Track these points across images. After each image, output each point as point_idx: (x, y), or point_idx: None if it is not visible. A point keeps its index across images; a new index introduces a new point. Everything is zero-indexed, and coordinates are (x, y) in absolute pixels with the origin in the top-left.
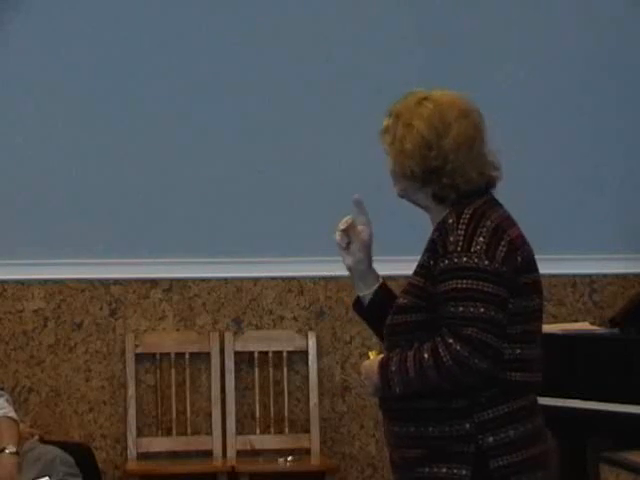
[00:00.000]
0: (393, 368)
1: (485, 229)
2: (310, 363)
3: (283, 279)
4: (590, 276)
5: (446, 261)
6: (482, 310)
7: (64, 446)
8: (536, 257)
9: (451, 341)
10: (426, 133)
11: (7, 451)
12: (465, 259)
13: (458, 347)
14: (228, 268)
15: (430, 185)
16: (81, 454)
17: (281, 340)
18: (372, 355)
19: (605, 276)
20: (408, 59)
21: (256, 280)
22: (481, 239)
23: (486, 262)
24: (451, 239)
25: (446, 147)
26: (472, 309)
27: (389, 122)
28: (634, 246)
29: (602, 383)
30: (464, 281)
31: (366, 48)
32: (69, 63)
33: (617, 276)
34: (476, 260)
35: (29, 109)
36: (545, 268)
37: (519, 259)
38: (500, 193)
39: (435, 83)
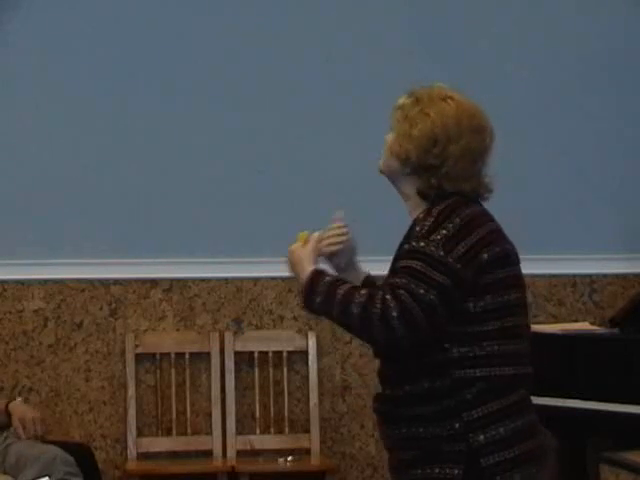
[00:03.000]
0: (326, 279)
1: (452, 225)
2: (310, 363)
3: (283, 279)
4: (590, 276)
5: (406, 245)
6: (422, 291)
7: (64, 446)
8: (536, 257)
9: (388, 297)
10: (438, 129)
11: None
12: (422, 244)
13: (391, 305)
14: (228, 268)
15: (417, 177)
16: (81, 454)
17: (281, 340)
18: (302, 237)
19: (605, 276)
20: (408, 59)
21: (256, 280)
22: (444, 232)
23: (441, 253)
24: (417, 229)
25: (450, 152)
26: (413, 286)
27: (407, 101)
28: (634, 246)
29: (602, 383)
30: (416, 262)
31: (366, 48)
32: (69, 63)
33: (617, 276)
34: (432, 248)
35: (29, 109)
36: (545, 268)
37: (485, 256)
38: (500, 193)
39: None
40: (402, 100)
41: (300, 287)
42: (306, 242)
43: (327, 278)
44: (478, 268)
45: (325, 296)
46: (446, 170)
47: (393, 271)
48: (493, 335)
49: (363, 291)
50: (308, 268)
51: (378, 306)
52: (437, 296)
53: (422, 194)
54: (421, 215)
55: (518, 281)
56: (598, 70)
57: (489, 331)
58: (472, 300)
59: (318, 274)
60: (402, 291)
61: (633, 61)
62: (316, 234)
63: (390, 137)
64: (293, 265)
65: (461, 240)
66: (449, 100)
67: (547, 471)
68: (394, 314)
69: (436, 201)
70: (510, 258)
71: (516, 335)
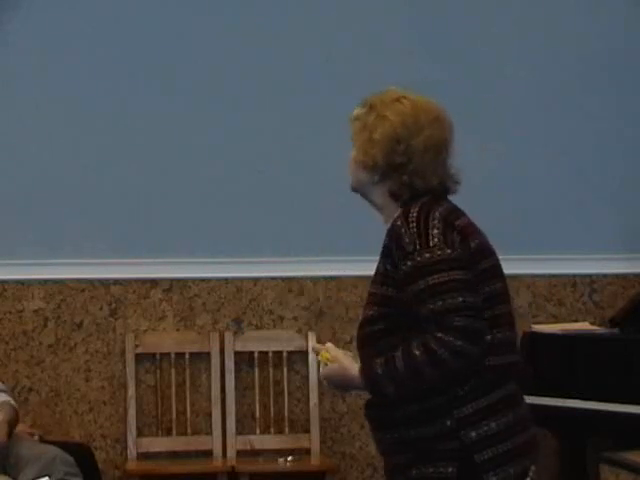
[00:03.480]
0: (379, 371)
1: (436, 220)
2: (310, 363)
3: (283, 279)
4: (590, 276)
5: (409, 262)
6: (460, 299)
7: (64, 446)
8: (536, 257)
9: (441, 335)
10: (399, 128)
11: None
12: (428, 255)
13: (451, 338)
14: (228, 268)
15: (388, 180)
16: (81, 454)
17: (281, 340)
18: (323, 357)
19: (605, 276)
20: (408, 59)
21: (256, 280)
22: (435, 231)
23: (448, 251)
24: (407, 240)
25: (414, 147)
26: (450, 300)
27: (361, 111)
28: (634, 246)
29: (602, 383)
30: (434, 276)
31: (366, 48)
32: (69, 63)
33: (617, 276)
34: (439, 252)
35: (29, 109)
36: (545, 268)
37: (472, 245)
38: (500, 193)
39: (435, 83)
40: (357, 111)
41: (366, 391)
42: (330, 359)
43: (379, 370)
44: (470, 257)
45: (394, 383)
46: (414, 166)
47: (417, 295)
48: (488, 324)
49: (415, 350)
50: (355, 374)
51: (442, 350)
52: (472, 294)
53: (395, 195)
54: (398, 222)
55: (500, 271)
56: (598, 70)
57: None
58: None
59: (366, 374)
60: (447, 316)
61: (633, 61)
62: (329, 344)
63: (352, 152)
64: (341, 385)
65: (452, 232)
66: (402, 100)
67: (540, 464)
68: (458, 343)
69: (408, 202)
70: (489, 248)
71: (507, 323)
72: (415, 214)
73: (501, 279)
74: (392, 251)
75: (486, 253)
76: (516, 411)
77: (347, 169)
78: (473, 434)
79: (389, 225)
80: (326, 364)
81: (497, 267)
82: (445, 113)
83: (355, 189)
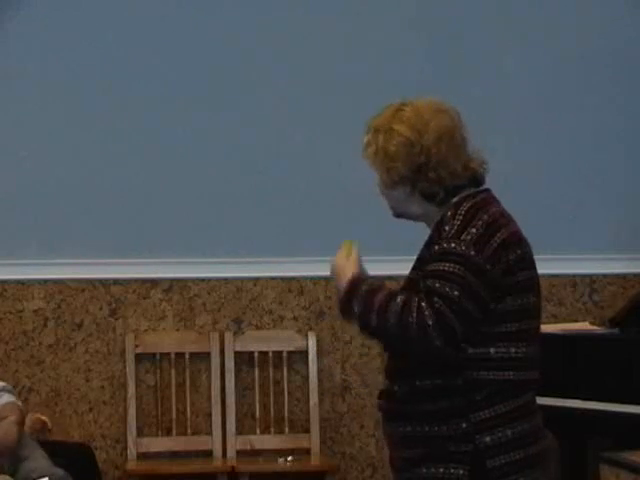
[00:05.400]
0: (364, 288)
1: (481, 222)
2: (310, 363)
3: (283, 279)
4: (590, 276)
5: (436, 247)
6: (456, 294)
7: (64, 446)
8: (536, 257)
9: (424, 305)
10: (407, 133)
11: (9, 419)
12: (453, 245)
13: (426, 313)
14: (228, 268)
15: (418, 185)
16: (81, 454)
17: (281, 340)
18: (347, 246)
19: (605, 276)
20: (408, 59)
21: (256, 280)
22: (474, 230)
23: (472, 252)
24: (446, 228)
25: (428, 142)
26: (447, 289)
27: (369, 137)
28: (634, 246)
29: (602, 383)
30: (448, 264)
31: (366, 48)
32: (69, 63)
33: (617, 276)
34: (463, 247)
35: (29, 109)
36: (545, 268)
37: (511, 257)
38: (501, 193)
39: (435, 82)
40: (365, 139)
41: (339, 295)
42: (349, 252)
43: (364, 287)
44: (505, 269)
45: (363, 306)
46: (435, 159)
47: (424, 273)
48: (510, 337)
49: (399, 299)
50: (348, 275)
51: (414, 315)
52: (471, 299)
53: (429, 196)
54: (449, 213)
55: (536, 285)
56: (598, 69)
57: (506, 333)
58: (494, 300)
59: (356, 283)
60: (436, 298)
61: (633, 61)
62: (355, 249)
63: (377, 178)
64: (335, 274)
65: (490, 238)
66: (402, 107)
67: (550, 475)
68: (430, 322)
69: (445, 200)
70: (531, 261)
71: (531, 338)
72: (465, 209)
73: (536, 294)
74: (433, 238)
75: (525, 265)
76: (532, 421)
77: (381, 197)
78: (488, 439)
79: (437, 219)
80: (348, 254)
81: (534, 281)
82: (446, 104)
83: (398, 213)
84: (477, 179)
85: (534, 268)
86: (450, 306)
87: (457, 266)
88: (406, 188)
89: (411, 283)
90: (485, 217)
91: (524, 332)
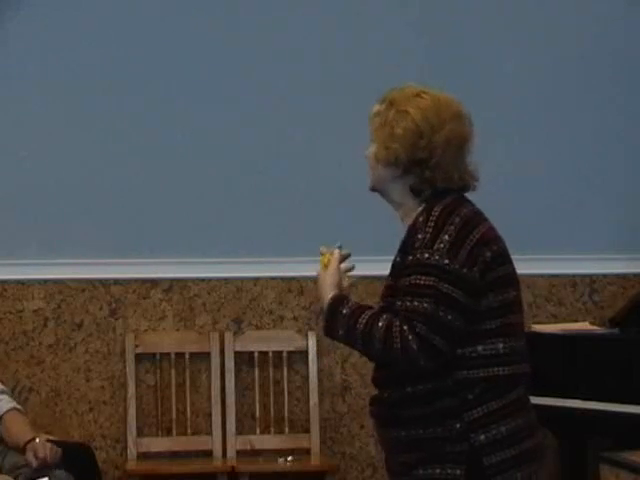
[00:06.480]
0: (344, 311)
1: (453, 227)
2: (310, 363)
3: (283, 279)
4: (590, 276)
5: (410, 257)
6: (433, 307)
7: (64, 446)
8: (536, 257)
9: (406, 328)
10: (420, 122)
11: (42, 440)
12: (427, 255)
13: (410, 337)
14: (228, 268)
15: (409, 175)
16: (81, 454)
17: (281, 340)
18: (323, 260)
19: (605, 276)
20: (408, 59)
21: (256, 280)
22: (446, 237)
23: (446, 261)
24: (419, 236)
25: (436, 141)
26: (425, 305)
27: (381, 107)
28: (634, 246)
29: (602, 383)
30: (422, 277)
31: (366, 48)
32: (69, 63)
33: (617, 276)
34: (437, 257)
35: (29, 109)
36: (545, 268)
37: (488, 254)
38: (501, 193)
39: (435, 83)
40: (376, 107)
41: (322, 315)
42: (327, 265)
43: (345, 310)
44: (483, 267)
45: (346, 330)
46: (436, 160)
47: (400, 287)
48: (496, 332)
49: (380, 323)
50: (327, 296)
51: (398, 341)
52: (449, 308)
53: (415, 191)
54: (420, 218)
55: (515, 279)
56: (598, 70)
57: (492, 329)
58: (476, 300)
59: (336, 305)
60: (416, 320)
61: (633, 61)
62: (336, 252)
63: (372, 148)
64: (318, 292)
65: (464, 241)
66: (423, 94)
67: (544, 470)
68: (414, 346)
69: (430, 200)
70: (507, 256)
71: (516, 333)
72: (437, 213)
73: (515, 288)
74: (407, 246)
75: (503, 261)
76: (525, 416)
77: (366, 167)
78: (482, 437)
79: (410, 222)
80: (326, 266)
81: (512, 276)
82: (465, 109)
83: (374, 188)
84: (464, 190)
85: (511, 263)
86: (430, 325)
87: (431, 278)
88: (396, 172)
89: (388, 291)
90: (457, 220)
91: (509, 327)
